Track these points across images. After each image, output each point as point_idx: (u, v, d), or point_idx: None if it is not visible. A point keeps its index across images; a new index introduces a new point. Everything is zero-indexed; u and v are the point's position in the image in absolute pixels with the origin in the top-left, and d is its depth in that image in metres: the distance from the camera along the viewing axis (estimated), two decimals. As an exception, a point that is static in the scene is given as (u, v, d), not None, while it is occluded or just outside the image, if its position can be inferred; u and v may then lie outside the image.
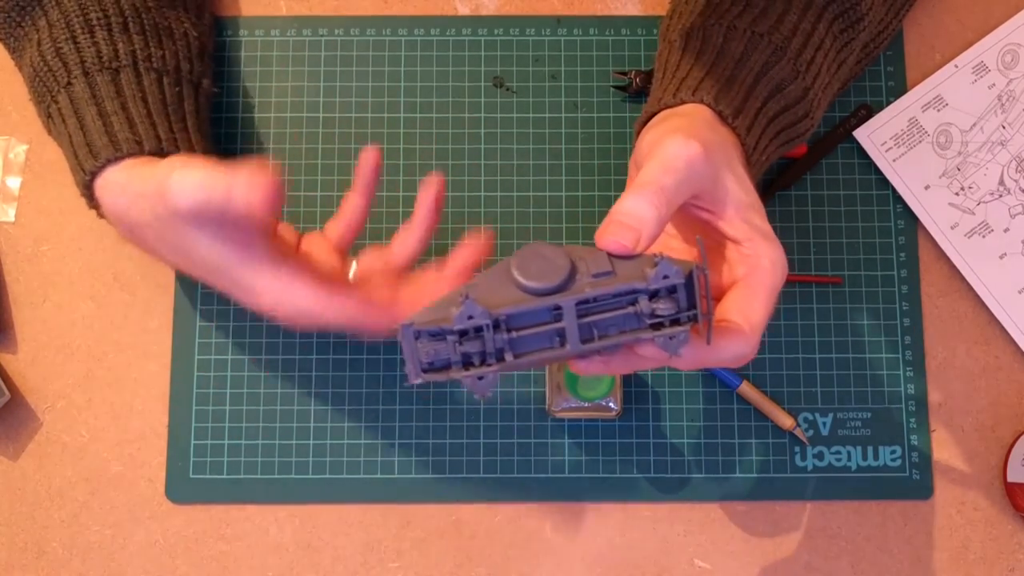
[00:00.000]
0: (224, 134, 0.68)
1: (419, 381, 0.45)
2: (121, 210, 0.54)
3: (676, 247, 0.55)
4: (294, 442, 0.65)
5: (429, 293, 0.53)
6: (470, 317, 0.44)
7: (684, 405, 0.65)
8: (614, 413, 0.62)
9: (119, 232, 0.57)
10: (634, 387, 0.65)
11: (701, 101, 0.54)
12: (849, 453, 0.65)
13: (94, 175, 0.56)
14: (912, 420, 0.65)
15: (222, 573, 0.64)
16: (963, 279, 0.66)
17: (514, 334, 0.45)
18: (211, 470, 0.65)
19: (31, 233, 0.67)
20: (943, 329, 0.66)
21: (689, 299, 0.45)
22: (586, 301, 0.45)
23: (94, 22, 0.59)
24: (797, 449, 0.65)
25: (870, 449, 0.65)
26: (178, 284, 0.67)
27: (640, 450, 0.65)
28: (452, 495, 0.64)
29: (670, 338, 0.45)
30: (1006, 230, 0.67)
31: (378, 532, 0.64)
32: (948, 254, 0.66)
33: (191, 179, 0.49)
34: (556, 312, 0.45)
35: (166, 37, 0.61)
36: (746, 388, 0.64)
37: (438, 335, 0.45)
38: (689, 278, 0.45)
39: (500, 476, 0.64)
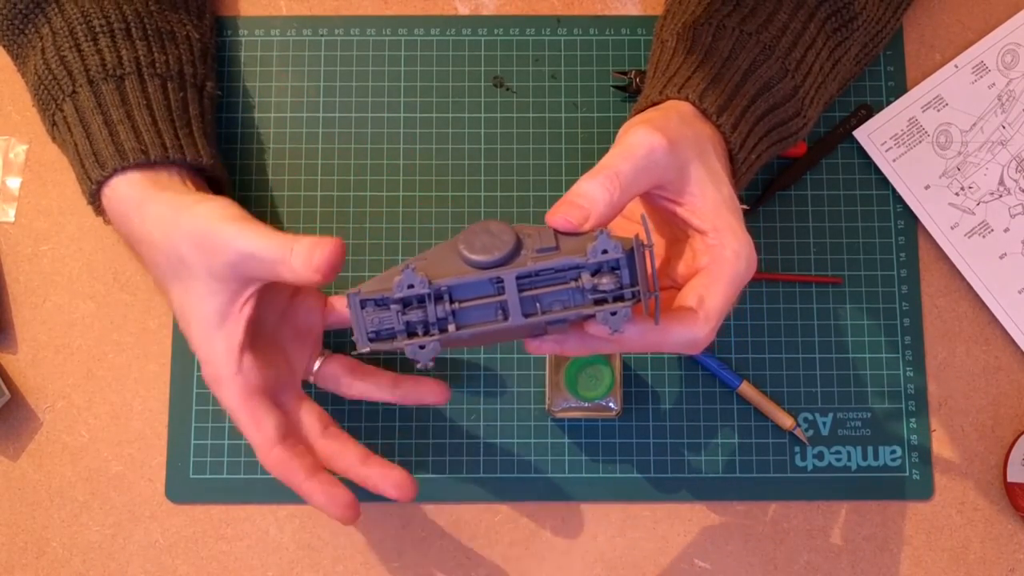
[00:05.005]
0: (224, 134, 0.68)
1: (366, 350, 0.47)
2: (132, 222, 0.56)
3: (656, 240, 0.56)
4: (294, 442, 0.65)
5: (339, 471, 0.56)
6: (410, 286, 0.45)
7: (684, 405, 0.65)
8: (614, 413, 0.62)
9: (122, 239, 0.58)
10: (634, 387, 0.65)
11: (686, 98, 0.55)
12: (849, 453, 0.65)
13: (101, 184, 0.57)
14: (912, 420, 0.65)
15: (222, 573, 0.64)
16: (963, 279, 0.66)
17: (457, 306, 0.46)
18: (211, 470, 0.65)
19: (31, 233, 0.67)
20: (943, 329, 0.66)
21: (632, 276, 0.45)
22: (528, 275, 0.46)
23: (97, 29, 0.59)
24: (797, 449, 0.65)
25: (870, 449, 0.65)
26: (178, 284, 0.67)
27: (640, 450, 0.65)
28: (452, 495, 0.64)
29: (612, 314, 0.45)
30: (1006, 230, 0.67)
31: (378, 532, 0.64)
32: (948, 254, 0.66)
33: (251, 233, 0.51)
34: (499, 285, 0.46)
35: (169, 41, 0.61)
36: (746, 388, 0.64)
37: (383, 304, 0.46)
38: (631, 255, 0.45)
39: (500, 476, 0.64)
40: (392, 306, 0.46)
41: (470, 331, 0.46)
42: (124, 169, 0.56)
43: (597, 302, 0.46)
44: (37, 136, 0.68)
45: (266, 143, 0.68)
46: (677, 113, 0.54)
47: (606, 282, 0.45)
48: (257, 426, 0.54)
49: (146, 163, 0.56)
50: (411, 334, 0.46)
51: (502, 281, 0.46)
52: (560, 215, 0.47)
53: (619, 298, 0.45)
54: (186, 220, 0.53)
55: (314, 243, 0.51)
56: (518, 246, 0.47)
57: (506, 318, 0.46)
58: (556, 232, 0.48)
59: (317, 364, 0.60)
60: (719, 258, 0.49)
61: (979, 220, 0.67)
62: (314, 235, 0.52)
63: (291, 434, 0.55)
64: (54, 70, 0.59)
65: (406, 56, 0.69)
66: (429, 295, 0.45)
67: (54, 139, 0.61)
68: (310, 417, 0.57)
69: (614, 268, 0.45)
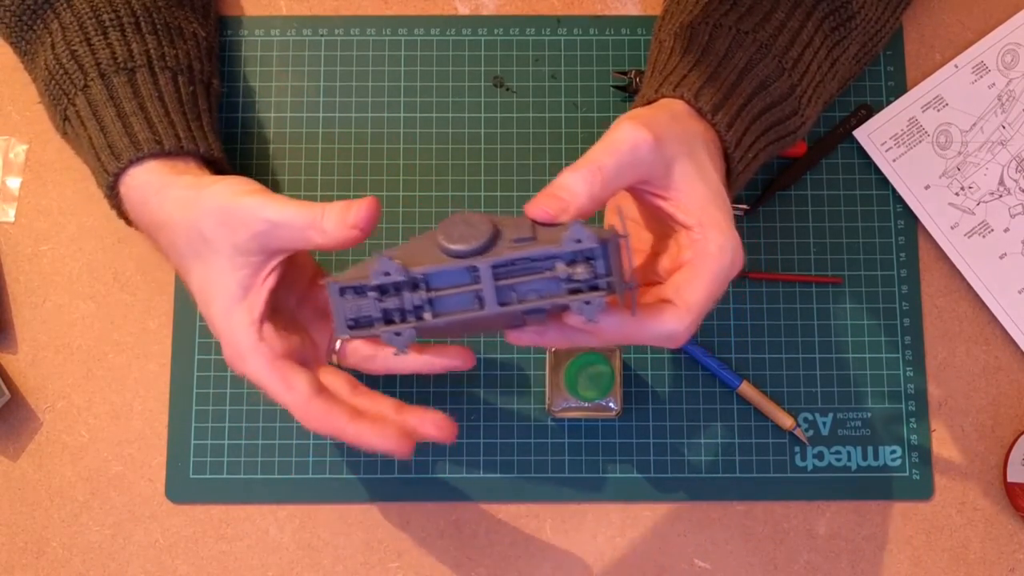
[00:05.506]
0: (225, 133, 0.68)
1: (346, 336, 0.48)
2: (152, 207, 0.56)
3: (644, 236, 0.56)
4: (294, 442, 0.65)
5: (374, 426, 0.53)
6: (386, 273, 0.46)
7: (684, 405, 0.65)
8: (614, 413, 0.62)
9: (140, 229, 0.58)
10: (634, 387, 0.65)
11: (681, 97, 0.55)
12: (849, 453, 0.65)
13: (118, 176, 0.57)
14: (912, 420, 0.65)
15: (222, 573, 0.64)
16: (963, 279, 0.66)
17: (434, 294, 0.46)
18: (211, 470, 0.65)
19: (31, 233, 0.67)
20: (943, 329, 0.66)
21: (607, 266, 0.46)
22: (504, 264, 0.46)
23: (107, 23, 0.59)
24: (797, 449, 0.65)
25: (870, 449, 0.65)
26: (178, 284, 0.67)
27: (640, 450, 0.65)
28: (452, 495, 0.64)
29: (586, 303, 0.45)
30: (1006, 230, 0.67)
31: (378, 532, 0.64)
32: (948, 254, 0.66)
33: (278, 202, 0.52)
34: (475, 274, 0.46)
35: (177, 37, 0.62)
36: (746, 388, 0.64)
37: (361, 292, 0.47)
38: (606, 245, 0.45)
39: (500, 476, 0.64)
40: (369, 293, 0.47)
41: (446, 319, 0.47)
42: (140, 160, 0.56)
43: (572, 292, 0.46)
44: (37, 136, 0.68)
45: (266, 143, 0.68)
46: (668, 110, 0.54)
47: (581, 272, 0.45)
48: (289, 386, 0.53)
49: (161, 153, 0.57)
50: (388, 321, 0.47)
51: (478, 270, 0.46)
52: (538, 206, 0.48)
53: (594, 288, 0.46)
54: (207, 198, 0.53)
55: (348, 203, 0.51)
56: (495, 236, 0.47)
57: (482, 307, 0.46)
58: (534, 223, 0.48)
59: (339, 342, 0.59)
60: (702, 253, 0.50)
61: (979, 220, 0.67)
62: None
63: (325, 390, 0.55)
64: (65, 64, 0.59)
65: (406, 56, 0.69)
66: (405, 282, 0.46)
67: (66, 134, 0.61)
68: (337, 380, 0.56)
69: (589, 258, 0.46)
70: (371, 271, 0.46)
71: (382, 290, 0.47)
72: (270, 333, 0.54)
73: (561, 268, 0.45)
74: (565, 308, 0.46)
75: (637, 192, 0.52)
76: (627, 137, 0.49)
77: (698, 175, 0.51)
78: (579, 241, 0.45)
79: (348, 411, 0.53)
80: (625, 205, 0.56)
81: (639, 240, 0.56)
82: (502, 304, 0.46)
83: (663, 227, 0.54)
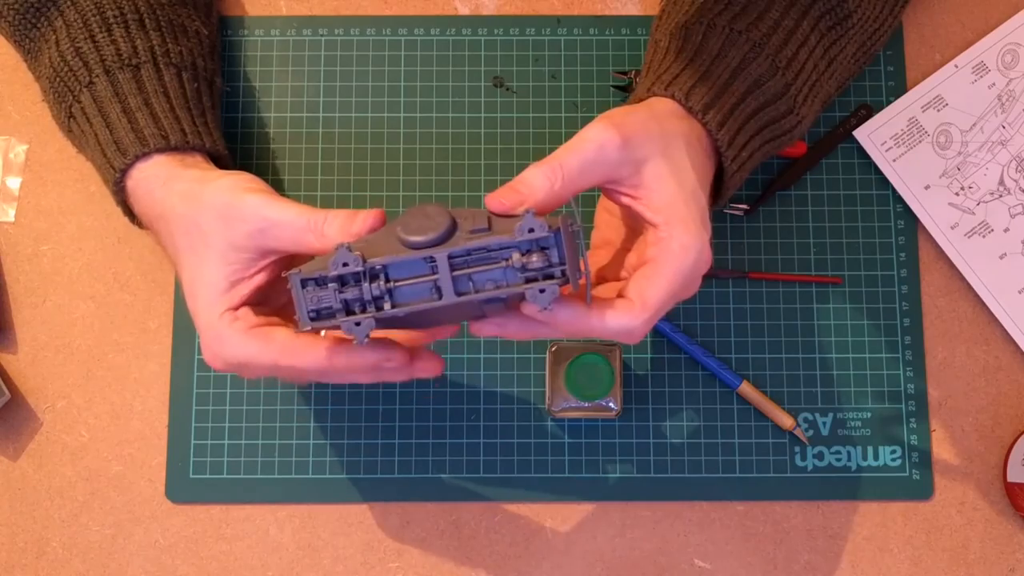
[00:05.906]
0: (225, 133, 0.68)
1: (308, 328, 0.48)
2: (156, 198, 0.56)
3: (624, 232, 0.57)
4: (294, 442, 0.65)
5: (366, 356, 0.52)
6: (344, 264, 0.47)
7: (684, 405, 0.65)
8: (614, 413, 0.62)
9: (143, 223, 0.59)
10: (634, 387, 0.65)
11: (672, 96, 0.55)
12: (849, 453, 0.65)
13: (124, 172, 0.57)
14: (912, 420, 0.65)
15: (222, 573, 0.64)
16: (963, 279, 0.66)
17: (393, 285, 0.47)
18: (211, 470, 0.65)
19: (31, 233, 0.67)
20: (943, 329, 0.66)
21: (561, 256, 0.46)
22: (460, 255, 0.47)
23: (111, 20, 0.60)
24: (797, 449, 0.65)
25: (870, 449, 0.65)
26: (178, 284, 0.67)
27: (640, 450, 0.65)
28: (452, 495, 0.64)
29: (540, 291, 0.46)
30: (1006, 230, 0.67)
31: (378, 532, 0.64)
32: (948, 254, 0.66)
33: (279, 202, 0.52)
34: (432, 264, 0.47)
35: (181, 34, 0.62)
36: (746, 388, 0.64)
37: (322, 283, 0.48)
38: (559, 233, 0.46)
39: (500, 476, 0.64)
40: (330, 284, 0.47)
41: (406, 309, 0.47)
42: (146, 155, 0.57)
43: (528, 281, 0.47)
44: (37, 136, 0.68)
45: (266, 143, 0.68)
46: (648, 110, 0.54)
47: (535, 260, 0.46)
48: (268, 339, 0.52)
49: (167, 148, 0.57)
50: (349, 312, 0.48)
51: (435, 260, 0.47)
52: (497, 197, 0.49)
53: (549, 276, 0.46)
54: (210, 193, 0.53)
55: (354, 212, 0.52)
56: (452, 227, 0.48)
57: (440, 297, 0.47)
58: (491, 214, 0.49)
59: (323, 332, 0.59)
60: (665, 250, 0.50)
61: (979, 220, 0.67)
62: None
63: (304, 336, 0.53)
64: (70, 61, 0.59)
65: (406, 56, 0.69)
66: (364, 273, 0.47)
67: (71, 131, 0.61)
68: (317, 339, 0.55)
69: (544, 247, 0.46)
70: (329, 262, 0.47)
71: (342, 281, 0.47)
72: (246, 313, 0.53)
73: (516, 257, 0.46)
74: (523, 298, 0.47)
75: (607, 191, 0.53)
76: (594, 137, 0.50)
77: (671, 174, 0.51)
78: (531, 230, 0.46)
79: (333, 339, 0.53)
80: (611, 202, 0.57)
81: (620, 236, 0.57)
82: (459, 294, 0.47)
83: (637, 224, 0.55)
